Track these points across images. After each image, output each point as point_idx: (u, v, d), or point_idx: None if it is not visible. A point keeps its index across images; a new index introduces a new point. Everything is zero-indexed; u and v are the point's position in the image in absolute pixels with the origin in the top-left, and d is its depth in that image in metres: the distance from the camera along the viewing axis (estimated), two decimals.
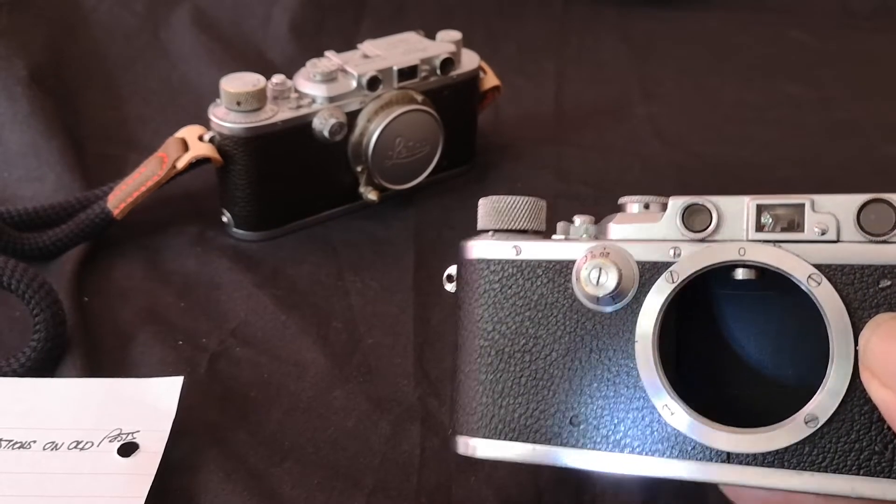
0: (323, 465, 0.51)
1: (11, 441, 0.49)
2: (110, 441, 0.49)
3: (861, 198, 0.36)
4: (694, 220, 0.38)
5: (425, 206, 0.71)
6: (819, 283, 0.36)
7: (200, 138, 0.64)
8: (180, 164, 0.64)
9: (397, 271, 0.65)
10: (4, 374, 0.54)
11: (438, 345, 0.58)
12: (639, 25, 1.03)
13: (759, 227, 0.37)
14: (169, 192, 0.67)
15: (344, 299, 0.62)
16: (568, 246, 0.40)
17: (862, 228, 0.35)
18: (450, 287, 0.44)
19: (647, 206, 0.40)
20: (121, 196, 0.64)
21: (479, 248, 0.42)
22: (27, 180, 0.72)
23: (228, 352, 0.58)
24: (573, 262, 0.40)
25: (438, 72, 0.69)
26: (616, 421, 0.38)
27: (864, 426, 0.35)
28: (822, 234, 0.36)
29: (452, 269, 0.44)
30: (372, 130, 0.66)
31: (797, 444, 0.35)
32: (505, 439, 0.40)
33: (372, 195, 0.69)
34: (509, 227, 0.42)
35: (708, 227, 0.38)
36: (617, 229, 0.40)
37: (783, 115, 0.85)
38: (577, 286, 0.39)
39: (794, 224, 0.36)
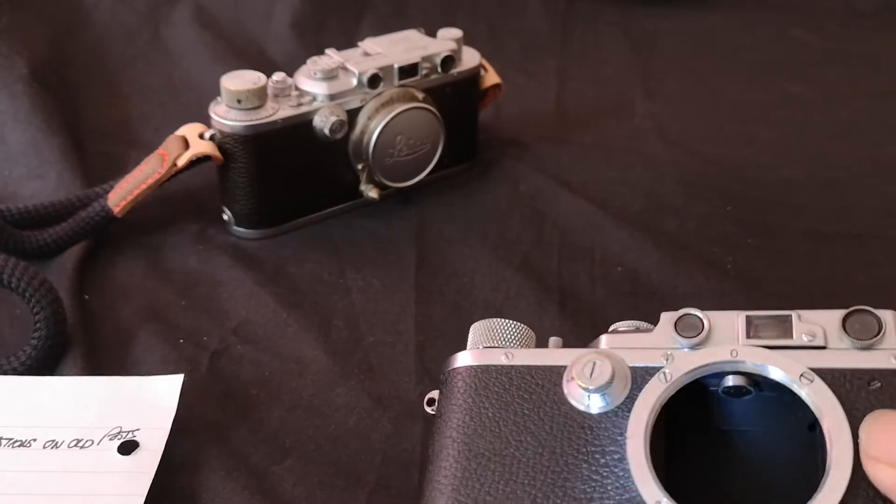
0: (324, 463, 0.50)
1: (11, 439, 0.49)
2: (110, 439, 0.49)
3: (844, 310, 0.37)
4: (686, 328, 0.39)
5: (426, 203, 0.71)
6: (812, 381, 0.36)
7: (201, 136, 0.64)
8: (181, 162, 0.64)
9: (398, 269, 0.64)
10: (5, 373, 0.53)
11: (440, 343, 0.58)
12: (641, 23, 1.02)
13: (749, 335, 0.38)
14: (169, 190, 0.66)
15: (345, 297, 0.62)
16: (561, 353, 0.40)
17: (848, 335, 0.37)
18: (430, 410, 0.43)
19: (637, 329, 0.42)
20: (121, 194, 0.64)
21: (467, 357, 0.41)
22: (28, 178, 0.72)
23: (229, 350, 0.58)
24: (565, 367, 0.39)
25: (439, 69, 0.68)
26: None
27: None
28: (811, 339, 0.37)
29: (434, 394, 0.43)
30: (373, 128, 0.66)
31: None
32: None
33: (373, 193, 0.68)
34: (500, 346, 0.42)
35: (700, 333, 0.38)
36: (609, 340, 0.41)
37: (786, 114, 0.85)
38: (569, 386, 0.39)
39: (783, 332, 0.38)
